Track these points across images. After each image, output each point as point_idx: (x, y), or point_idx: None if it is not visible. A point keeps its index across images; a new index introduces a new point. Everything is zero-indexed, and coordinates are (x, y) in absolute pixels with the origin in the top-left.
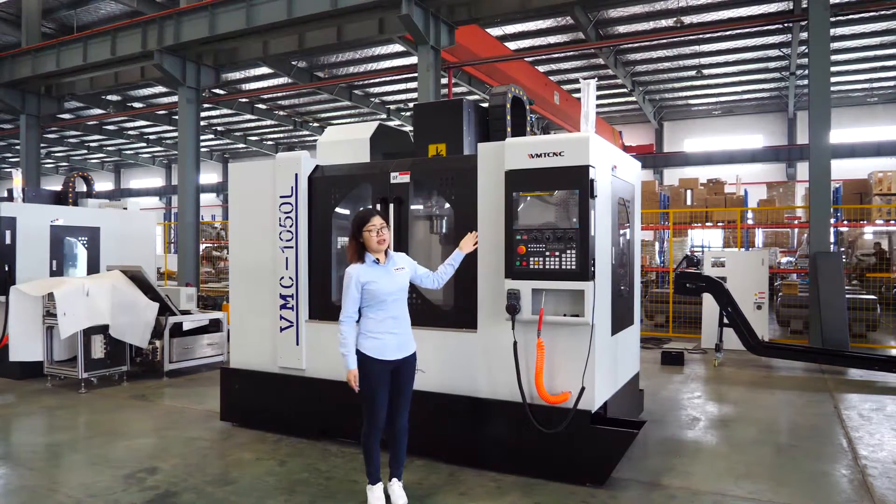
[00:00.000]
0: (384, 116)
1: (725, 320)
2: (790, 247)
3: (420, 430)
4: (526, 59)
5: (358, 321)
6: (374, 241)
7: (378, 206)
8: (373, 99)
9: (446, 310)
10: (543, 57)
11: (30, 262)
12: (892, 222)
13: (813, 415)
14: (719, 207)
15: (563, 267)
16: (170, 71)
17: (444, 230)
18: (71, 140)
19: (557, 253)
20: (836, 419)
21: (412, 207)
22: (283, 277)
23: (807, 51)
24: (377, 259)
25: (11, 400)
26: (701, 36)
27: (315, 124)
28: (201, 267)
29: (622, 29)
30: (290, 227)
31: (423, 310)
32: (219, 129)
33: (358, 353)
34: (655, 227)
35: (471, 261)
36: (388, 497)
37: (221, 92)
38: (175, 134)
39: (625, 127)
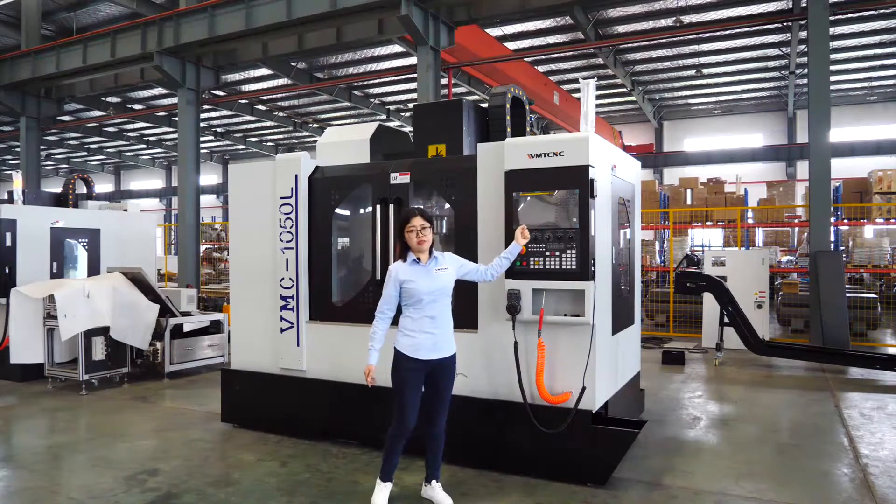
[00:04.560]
0: (384, 117)
1: (726, 319)
2: (790, 246)
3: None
4: (525, 59)
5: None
6: (413, 242)
7: (378, 207)
8: (372, 99)
9: None
10: (543, 57)
11: (30, 265)
12: (893, 221)
13: (814, 414)
14: (719, 207)
15: (564, 267)
16: (169, 72)
17: (444, 231)
18: (71, 142)
19: (558, 253)
20: (837, 418)
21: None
22: (283, 278)
23: (806, 50)
24: (418, 258)
25: (12, 402)
26: (700, 35)
27: (315, 125)
28: (202, 268)
29: (621, 29)
30: (291, 228)
31: None
32: (219, 130)
33: (394, 349)
34: (655, 226)
35: (471, 261)
36: (429, 501)
37: (221, 93)
38: (175, 135)
39: (625, 126)
